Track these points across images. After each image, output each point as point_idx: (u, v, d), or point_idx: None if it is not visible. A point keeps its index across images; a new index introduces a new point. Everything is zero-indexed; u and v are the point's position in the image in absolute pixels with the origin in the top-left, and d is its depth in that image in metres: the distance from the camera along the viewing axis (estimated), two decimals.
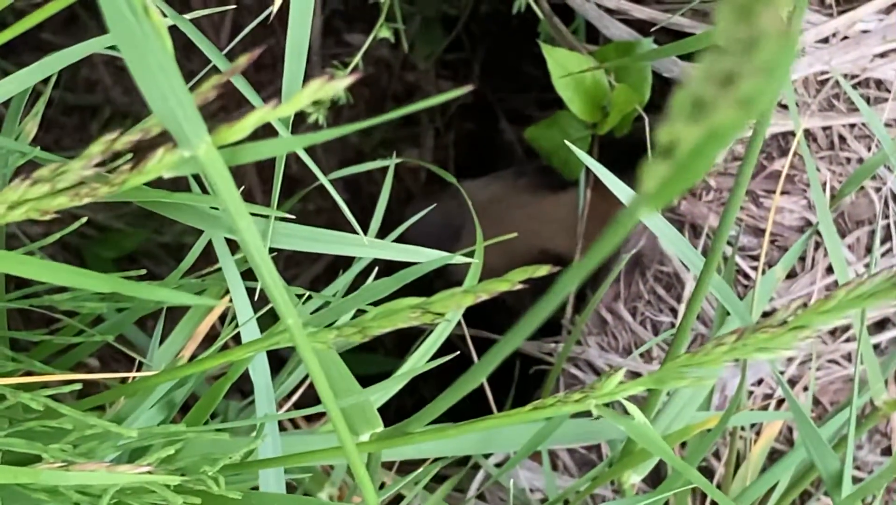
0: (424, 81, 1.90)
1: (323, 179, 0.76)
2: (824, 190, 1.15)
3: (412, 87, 1.91)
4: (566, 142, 0.80)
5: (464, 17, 1.81)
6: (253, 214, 0.76)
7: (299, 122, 1.41)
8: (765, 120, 0.62)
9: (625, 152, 1.52)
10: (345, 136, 1.91)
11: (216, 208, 0.76)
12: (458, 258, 0.78)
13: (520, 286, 0.55)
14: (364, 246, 0.73)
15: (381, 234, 0.90)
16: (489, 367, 0.49)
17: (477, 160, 1.91)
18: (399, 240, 0.84)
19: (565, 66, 1.14)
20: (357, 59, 1.19)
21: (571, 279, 0.37)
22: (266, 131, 0.73)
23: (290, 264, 1.93)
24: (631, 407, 0.59)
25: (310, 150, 1.90)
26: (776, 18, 0.23)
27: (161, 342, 0.87)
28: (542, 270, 0.53)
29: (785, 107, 1.17)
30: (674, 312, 1.16)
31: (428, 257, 0.75)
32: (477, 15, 1.80)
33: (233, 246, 0.77)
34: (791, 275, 1.15)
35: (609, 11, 1.19)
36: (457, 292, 0.56)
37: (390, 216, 1.02)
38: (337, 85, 0.43)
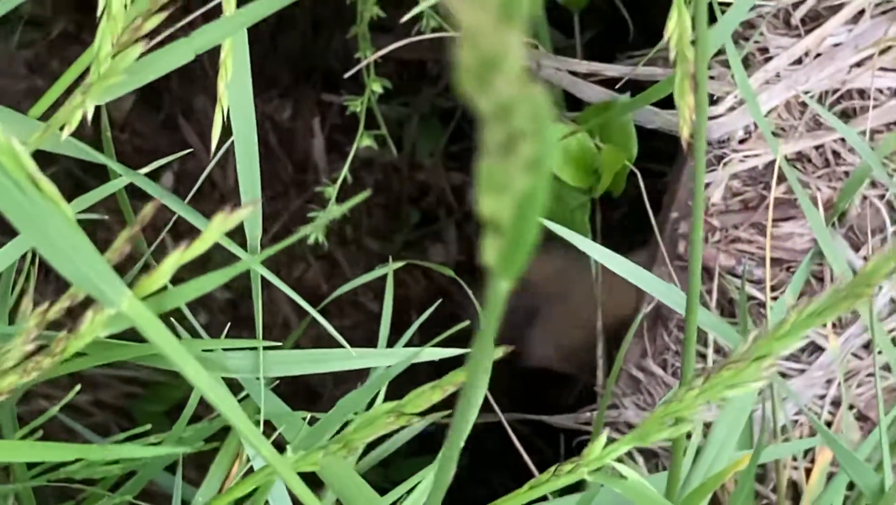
0: (434, 177, 1.91)
1: (313, 312, 0.76)
2: (828, 207, 1.15)
3: (424, 185, 1.92)
4: (544, 222, 0.80)
5: (460, 106, 1.82)
6: (247, 349, 0.77)
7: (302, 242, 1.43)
8: (700, 158, 0.61)
9: (626, 212, 1.52)
10: (366, 243, 1.93)
11: (209, 350, 0.77)
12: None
13: (453, 389, 0.55)
14: (353, 358, 0.73)
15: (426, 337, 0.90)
16: None
17: None
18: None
19: None
20: (344, 171, 1.20)
21: (458, 434, 0.37)
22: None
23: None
24: (622, 468, 0.59)
25: (333, 264, 1.92)
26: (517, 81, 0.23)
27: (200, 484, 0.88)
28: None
29: (774, 135, 1.16)
30: (703, 356, 1.15)
31: (419, 358, 0.75)
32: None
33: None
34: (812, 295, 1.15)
35: (583, 76, 1.20)
36: (425, 390, 0.56)
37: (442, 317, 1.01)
38: (238, 216, 0.44)
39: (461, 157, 1.93)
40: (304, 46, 1.84)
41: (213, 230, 0.44)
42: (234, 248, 0.72)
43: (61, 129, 0.59)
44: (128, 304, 0.45)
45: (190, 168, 1.88)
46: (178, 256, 0.45)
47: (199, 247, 0.45)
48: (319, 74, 1.91)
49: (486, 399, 0.98)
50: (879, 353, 1.12)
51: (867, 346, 1.16)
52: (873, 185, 1.16)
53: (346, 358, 0.74)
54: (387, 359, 0.75)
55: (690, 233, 0.64)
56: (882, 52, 1.16)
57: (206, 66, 1.86)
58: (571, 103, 1.32)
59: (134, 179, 0.77)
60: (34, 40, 1.79)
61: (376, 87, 1.21)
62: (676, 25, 0.54)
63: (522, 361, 1.47)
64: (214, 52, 0.72)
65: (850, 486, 0.96)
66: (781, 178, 1.17)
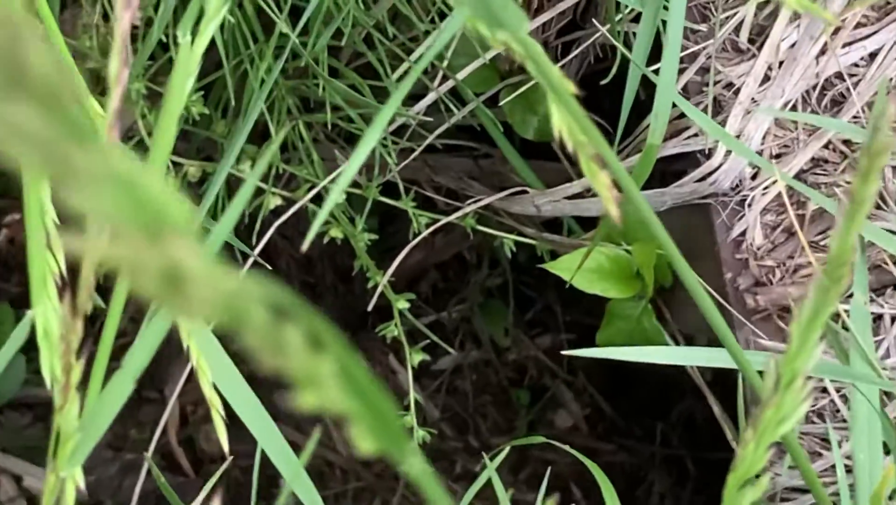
0: (523, 350, 1.89)
1: None
2: None
3: (518, 364, 1.90)
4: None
5: (510, 277, 1.81)
6: None
7: None
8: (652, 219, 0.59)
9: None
10: (493, 443, 1.90)
11: None
12: None
13: None
14: None
15: None
16: None
17: (623, 382, 1.88)
18: None
19: (573, 268, 1.12)
20: (412, 394, 1.19)
21: None
22: None
23: None
24: None
25: (472, 476, 1.89)
26: None
27: None
28: None
29: (781, 155, 1.14)
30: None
31: None
32: (518, 266, 1.80)
33: None
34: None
35: (580, 196, 1.19)
36: None
37: None
38: None
39: (538, 321, 1.91)
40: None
41: None
42: None
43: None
44: None
45: None
46: None
47: None
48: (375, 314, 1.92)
49: None
50: None
51: None
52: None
53: None
54: None
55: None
56: (834, 32, 1.13)
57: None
58: (586, 225, 1.31)
59: None
60: None
61: (402, 304, 1.20)
62: (562, 121, 0.53)
63: None
64: None
65: None
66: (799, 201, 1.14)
